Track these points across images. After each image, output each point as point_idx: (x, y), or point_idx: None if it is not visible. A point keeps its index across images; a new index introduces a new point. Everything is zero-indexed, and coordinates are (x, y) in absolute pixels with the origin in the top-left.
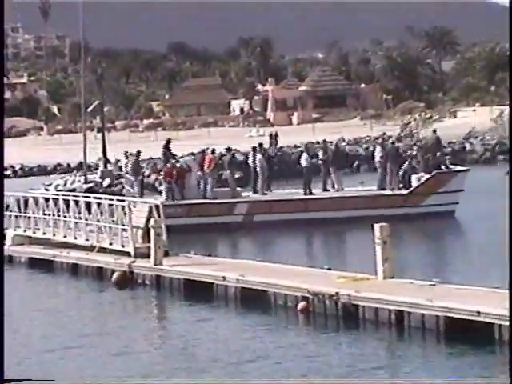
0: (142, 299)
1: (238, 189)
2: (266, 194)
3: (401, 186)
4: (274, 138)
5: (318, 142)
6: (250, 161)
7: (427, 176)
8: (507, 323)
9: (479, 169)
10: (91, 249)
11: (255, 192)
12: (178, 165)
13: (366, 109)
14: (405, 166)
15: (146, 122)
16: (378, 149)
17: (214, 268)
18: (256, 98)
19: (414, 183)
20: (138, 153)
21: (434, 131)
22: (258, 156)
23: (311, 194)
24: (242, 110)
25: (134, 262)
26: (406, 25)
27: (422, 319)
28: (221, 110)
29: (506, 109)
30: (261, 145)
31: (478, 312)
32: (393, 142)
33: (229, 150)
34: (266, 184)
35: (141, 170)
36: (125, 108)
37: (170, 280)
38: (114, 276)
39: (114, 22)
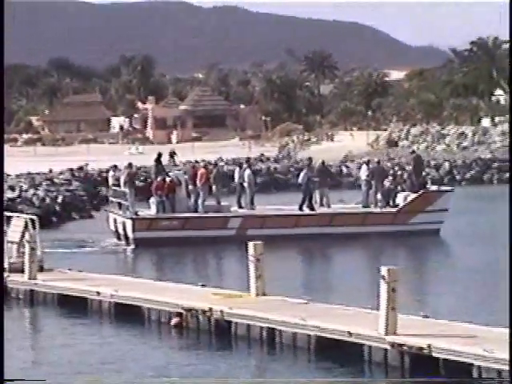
0: (15, 314)
1: (226, 203)
2: (253, 208)
3: (384, 204)
4: (172, 155)
5: (196, 162)
6: (236, 176)
7: (414, 195)
8: (377, 344)
9: (356, 192)
10: None
11: (240, 207)
12: (168, 179)
13: (245, 129)
14: (388, 184)
15: (25, 136)
16: (364, 167)
17: (89, 283)
18: (136, 115)
19: (400, 201)
20: (130, 165)
21: (413, 151)
22: (247, 172)
23: (301, 209)
24: (121, 127)
25: (7, 276)
26: (286, 48)
27: (293, 337)
28: (100, 127)
29: (382, 133)
30: (248, 160)
31: (349, 332)
32: (378, 162)
33: (215, 165)
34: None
35: (135, 181)
36: (4, 122)
37: (44, 294)
38: None
39: None
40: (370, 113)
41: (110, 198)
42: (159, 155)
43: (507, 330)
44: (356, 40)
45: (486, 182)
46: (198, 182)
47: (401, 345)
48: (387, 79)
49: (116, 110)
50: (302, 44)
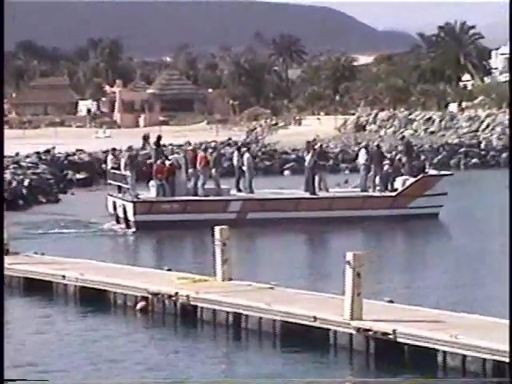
0: None
1: (226, 187)
2: (251, 192)
3: (382, 188)
4: (146, 139)
5: (164, 145)
6: (235, 160)
7: (413, 179)
8: (342, 329)
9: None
10: None
11: (239, 190)
12: (167, 162)
13: (213, 113)
14: (386, 168)
15: None
16: (363, 151)
17: (55, 267)
18: (103, 99)
19: (399, 186)
20: (130, 148)
21: (403, 138)
22: (247, 155)
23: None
24: (89, 110)
25: None
26: (255, 32)
27: (259, 322)
28: (68, 110)
29: (350, 118)
30: (248, 144)
31: (315, 317)
32: (377, 146)
33: (215, 149)
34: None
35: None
36: None
37: (10, 278)
38: None
39: None
40: (337, 97)
41: (110, 181)
42: (158, 138)
43: (473, 316)
44: (322, 23)
45: (453, 166)
46: (197, 165)
47: (366, 330)
48: (355, 63)
49: (84, 93)
50: (269, 28)
